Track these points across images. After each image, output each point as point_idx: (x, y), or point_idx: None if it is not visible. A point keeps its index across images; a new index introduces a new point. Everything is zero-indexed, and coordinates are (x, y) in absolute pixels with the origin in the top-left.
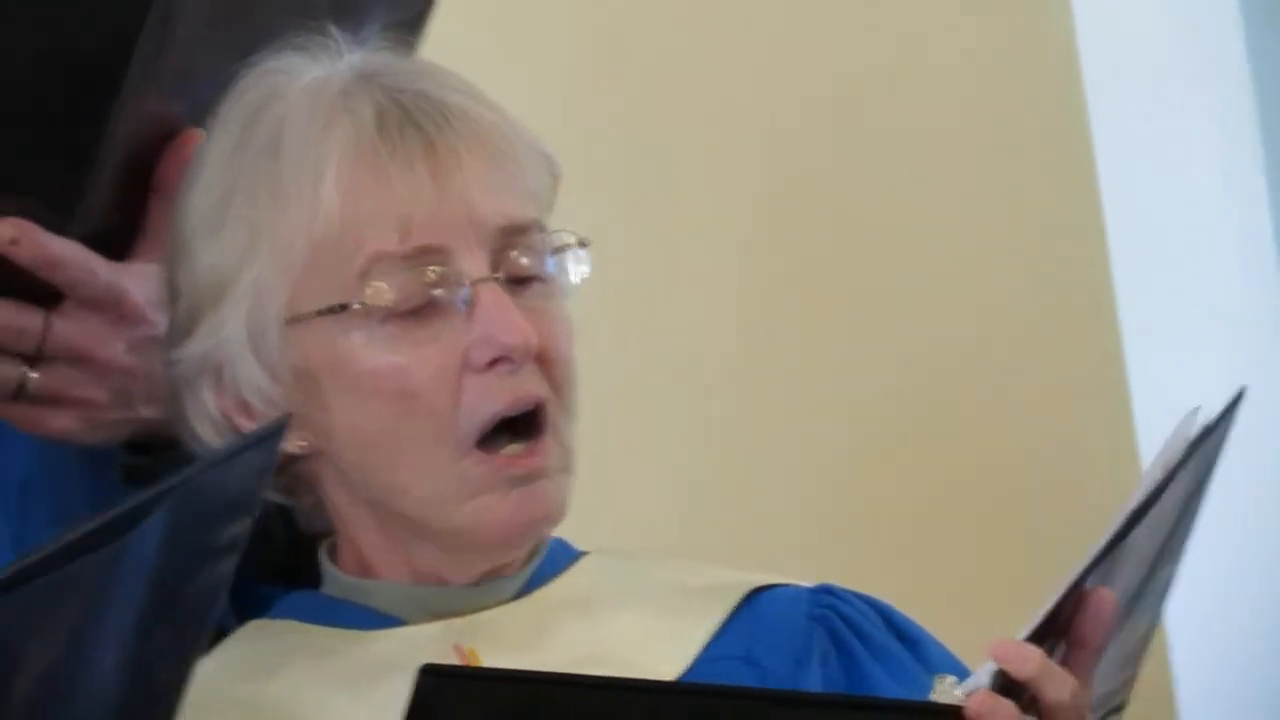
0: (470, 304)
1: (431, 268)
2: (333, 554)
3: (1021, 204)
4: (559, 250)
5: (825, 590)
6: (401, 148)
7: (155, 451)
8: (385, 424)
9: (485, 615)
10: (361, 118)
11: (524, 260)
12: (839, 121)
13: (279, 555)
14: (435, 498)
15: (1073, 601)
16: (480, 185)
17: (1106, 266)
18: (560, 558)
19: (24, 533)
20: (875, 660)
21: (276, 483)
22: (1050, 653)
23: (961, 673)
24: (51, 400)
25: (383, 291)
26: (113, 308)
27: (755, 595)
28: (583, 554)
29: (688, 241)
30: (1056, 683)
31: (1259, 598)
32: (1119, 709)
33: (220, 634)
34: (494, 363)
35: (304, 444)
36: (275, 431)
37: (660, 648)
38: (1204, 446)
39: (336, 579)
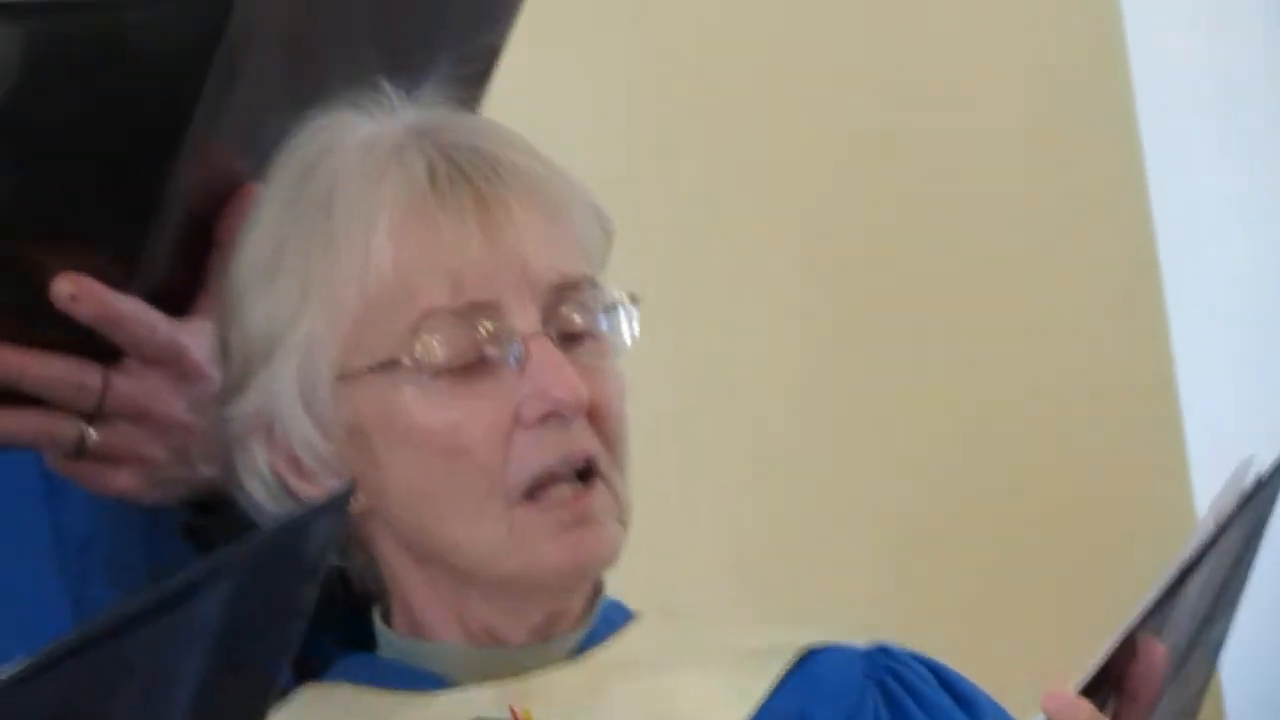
0: (521, 360)
1: (483, 323)
2: (386, 616)
3: (1080, 258)
4: (611, 307)
5: (881, 650)
6: (453, 201)
7: (215, 509)
8: (436, 479)
9: (540, 677)
10: (414, 172)
11: (576, 317)
12: (893, 180)
13: (336, 616)
14: (486, 550)
15: (1125, 654)
16: (532, 240)
17: (1165, 323)
18: (614, 619)
19: (84, 595)
20: None
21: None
22: (1102, 707)
23: None
24: (111, 458)
25: (434, 347)
26: (173, 365)
27: (810, 654)
28: (636, 615)
29: (741, 289)
30: None
31: None
32: None
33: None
34: (545, 418)
35: (358, 503)
36: (342, 498)
37: (716, 708)
38: (1257, 499)
39: (390, 641)
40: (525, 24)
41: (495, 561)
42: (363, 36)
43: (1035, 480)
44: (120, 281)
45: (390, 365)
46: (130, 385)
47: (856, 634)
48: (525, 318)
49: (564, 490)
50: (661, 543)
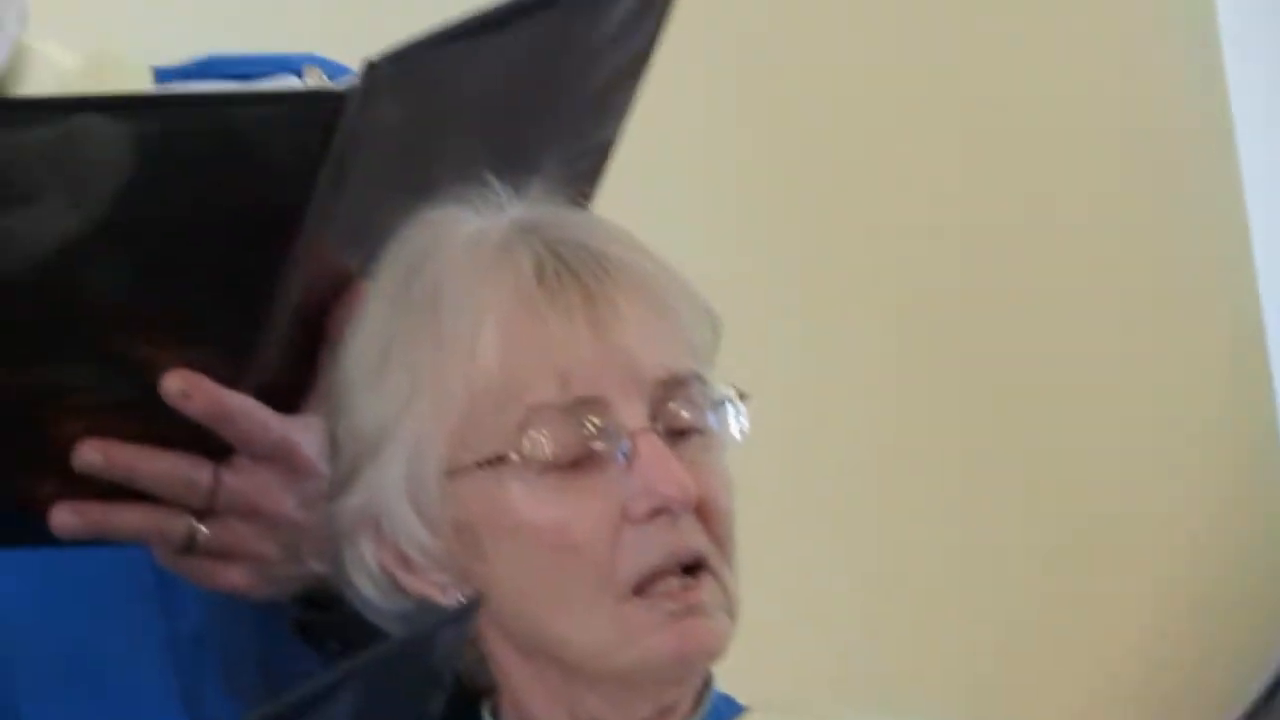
0: (629, 455)
1: (590, 419)
2: (495, 712)
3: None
4: (719, 403)
5: None
6: (560, 297)
7: (326, 605)
8: (545, 576)
9: None
10: (520, 268)
11: (683, 413)
12: (1000, 279)
13: (447, 712)
14: (595, 645)
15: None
16: (639, 336)
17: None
18: (724, 712)
19: (197, 690)
20: None
21: None
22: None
23: None
24: (222, 554)
25: (541, 443)
26: (284, 462)
27: None
28: (747, 709)
29: (842, 385)
30: None
31: None
32: None
33: None
34: (653, 514)
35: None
36: (470, 608)
37: None
38: None
39: None
40: (637, 119)
41: (605, 656)
42: (474, 133)
43: (1140, 577)
44: (231, 378)
45: (498, 461)
46: (241, 482)
47: None
48: (633, 414)
49: (672, 583)
50: (762, 643)
